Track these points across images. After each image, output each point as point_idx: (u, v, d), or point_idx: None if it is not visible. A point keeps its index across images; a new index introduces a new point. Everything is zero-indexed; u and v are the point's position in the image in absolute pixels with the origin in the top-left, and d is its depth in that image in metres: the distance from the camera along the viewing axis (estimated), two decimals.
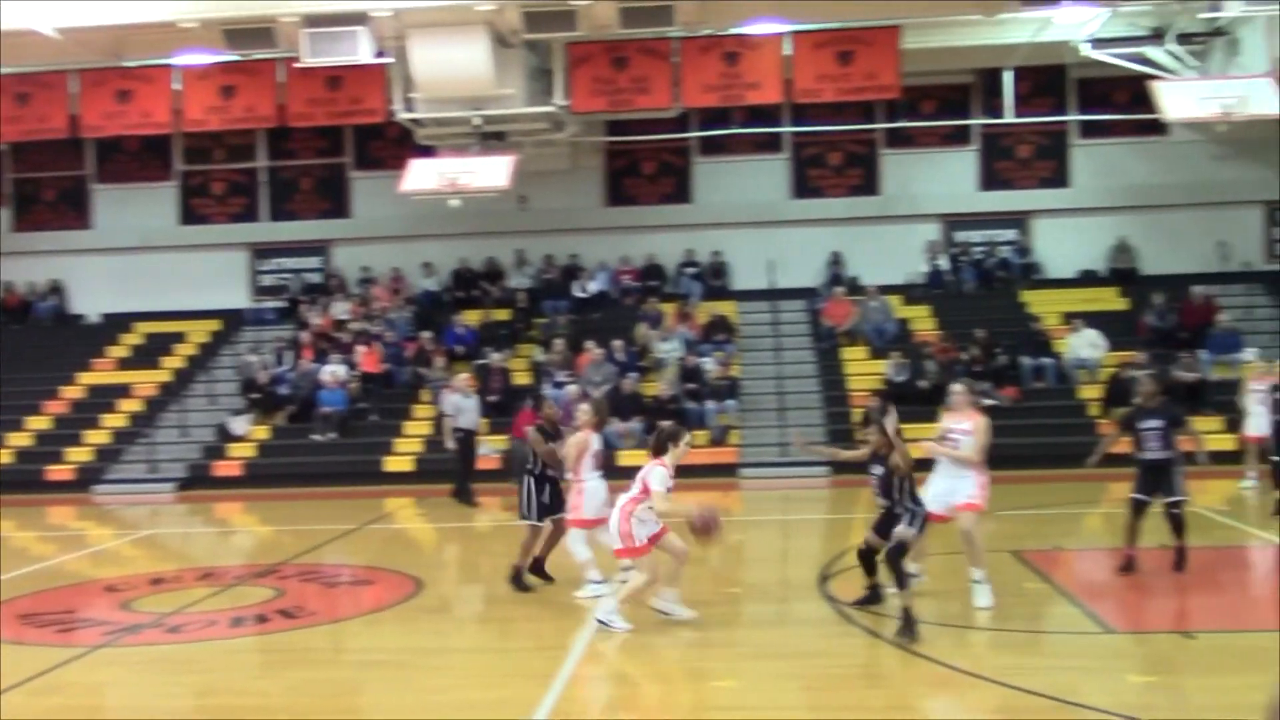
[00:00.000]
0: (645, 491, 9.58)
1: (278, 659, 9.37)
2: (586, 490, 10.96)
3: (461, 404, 18.13)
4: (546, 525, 11.34)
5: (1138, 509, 11.04)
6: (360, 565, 13.66)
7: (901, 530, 9.11)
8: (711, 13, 19.82)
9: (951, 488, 10.07)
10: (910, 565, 9.53)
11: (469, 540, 16.28)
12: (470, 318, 24.63)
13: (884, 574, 9.45)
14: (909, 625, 8.76)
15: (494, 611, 11.38)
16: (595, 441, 11.14)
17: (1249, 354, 21.57)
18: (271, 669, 9.14)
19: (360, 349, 23.51)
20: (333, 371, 22.53)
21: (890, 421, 9.25)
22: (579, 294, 25.26)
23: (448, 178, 20.15)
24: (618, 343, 22.59)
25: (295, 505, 19.23)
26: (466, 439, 18.15)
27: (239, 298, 27.03)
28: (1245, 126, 20.34)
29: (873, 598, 9.84)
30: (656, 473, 9.47)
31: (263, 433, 22.72)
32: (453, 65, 19.41)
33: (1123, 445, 11.45)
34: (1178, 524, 10.91)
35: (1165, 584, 10.99)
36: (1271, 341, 22.37)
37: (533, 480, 11.33)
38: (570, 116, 22.04)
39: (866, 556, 9.71)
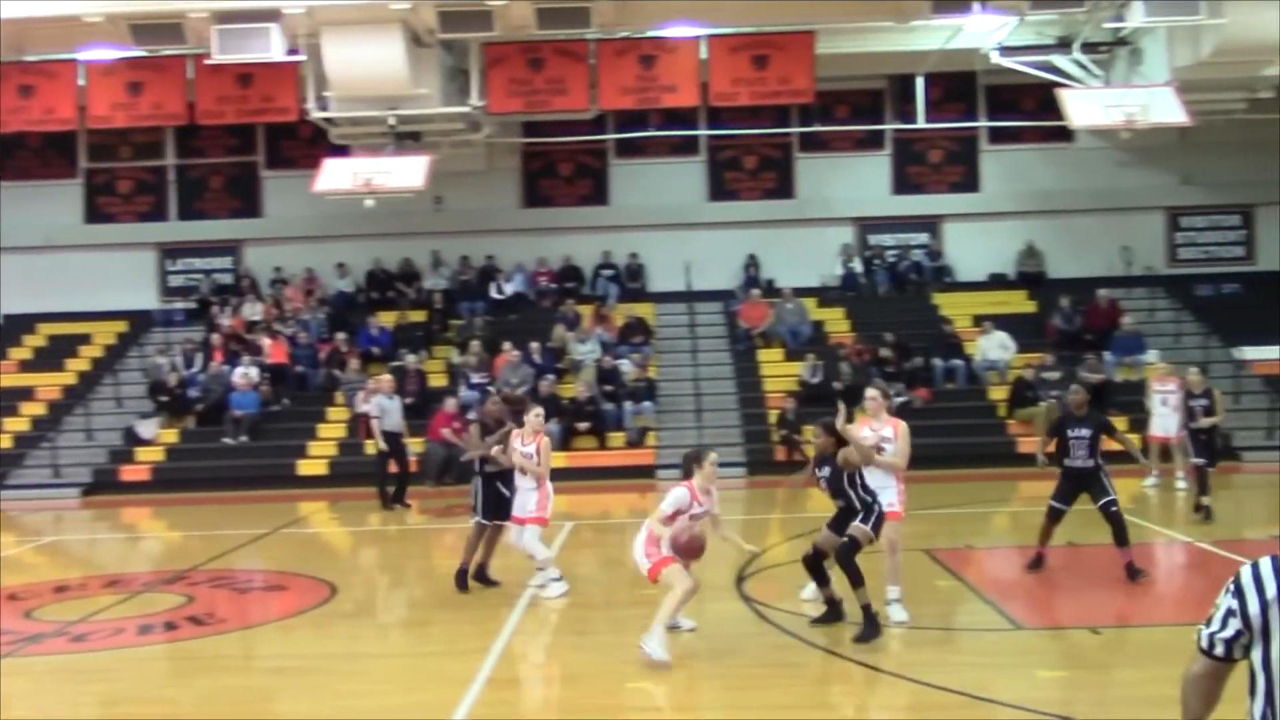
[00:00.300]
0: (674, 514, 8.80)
1: (187, 667, 9.19)
2: (552, 492, 11.10)
3: (386, 405, 17.91)
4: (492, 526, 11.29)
5: (1055, 515, 11.09)
6: (273, 570, 13.46)
7: (856, 527, 8.98)
8: (628, 15, 19.86)
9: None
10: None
11: (385, 544, 16.12)
12: (385, 319, 24.38)
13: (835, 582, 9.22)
14: (871, 624, 8.70)
15: (410, 615, 11.30)
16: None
17: (1151, 356, 22.18)
18: (181, 677, 8.96)
19: (267, 341, 23.16)
20: (244, 373, 22.16)
21: (839, 419, 9.16)
22: (495, 295, 25.15)
23: (362, 178, 19.94)
24: (535, 344, 22.54)
25: (206, 510, 18.89)
26: (392, 440, 17.92)
27: (147, 298, 26.46)
28: (1147, 134, 20.90)
29: (833, 614, 9.28)
30: (672, 494, 8.81)
31: (171, 436, 22.27)
32: (367, 64, 19.20)
33: (1029, 445, 11.65)
34: (1118, 523, 10.79)
35: (1073, 581, 11.25)
36: (1172, 344, 23.03)
37: (480, 480, 11.30)
38: (486, 117, 21.93)
39: (814, 562, 9.36)
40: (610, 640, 9.48)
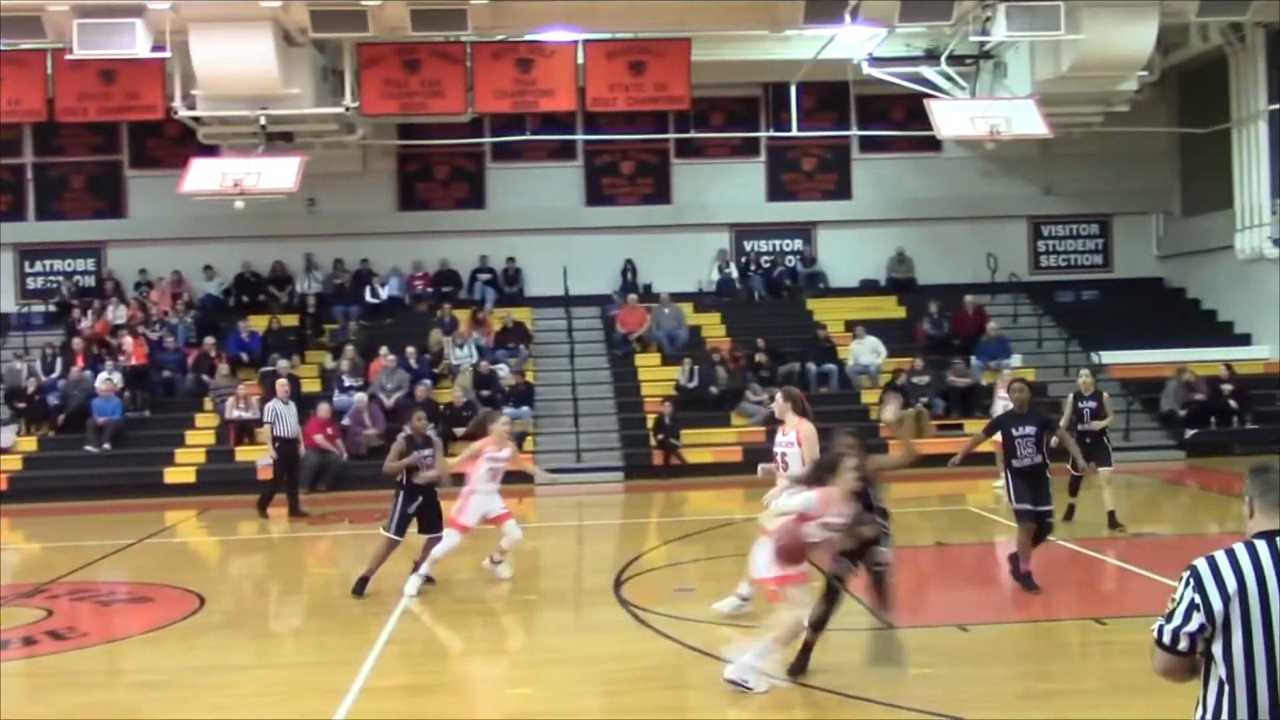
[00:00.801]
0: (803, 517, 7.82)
1: (47, 683, 8.85)
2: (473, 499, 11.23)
3: (280, 410, 17.36)
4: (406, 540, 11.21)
5: (1028, 517, 10.51)
6: (138, 582, 13.04)
7: (883, 552, 8.26)
8: (505, 18, 19.78)
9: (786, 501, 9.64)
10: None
11: (256, 553, 15.77)
12: (256, 323, 23.82)
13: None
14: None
15: (281, 626, 11.07)
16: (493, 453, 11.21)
17: (1016, 360, 22.85)
18: (40, 694, 8.63)
19: (129, 339, 22.42)
20: (107, 379, 21.45)
21: (890, 409, 8.92)
22: (370, 299, 24.78)
23: (232, 179, 19.50)
24: (411, 349, 22.27)
25: (67, 521, 18.22)
26: (287, 447, 17.39)
27: (4, 301, 25.43)
28: (1011, 145, 21.59)
29: (802, 664, 8.05)
30: (802, 496, 7.88)
31: (30, 444, 21.43)
32: (236, 62, 18.78)
33: (933, 446, 11.65)
34: (1047, 532, 10.72)
35: (942, 580, 11.52)
36: (1035, 348, 23.78)
37: (402, 492, 11.18)
38: (361, 118, 21.65)
39: (834, 594, 8.14)
40: (487, 647, 9.43)
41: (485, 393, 21.54)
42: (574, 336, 24.12)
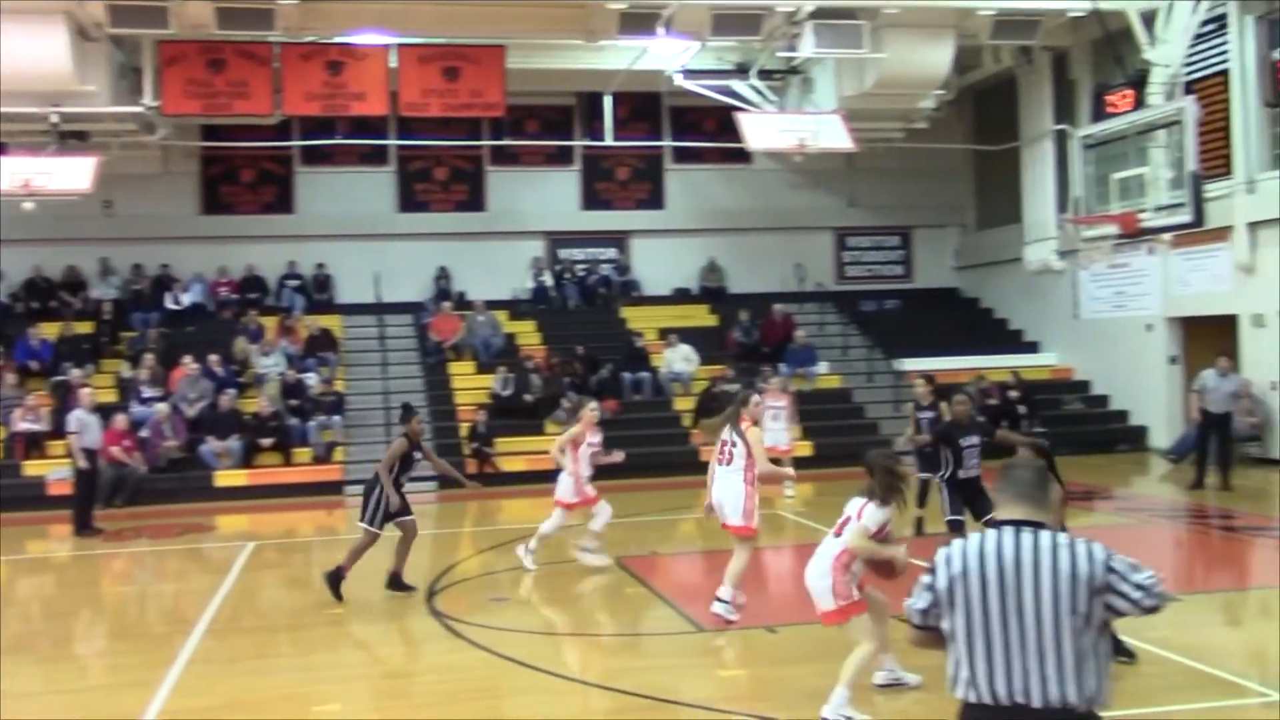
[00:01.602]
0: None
1: None
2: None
3: (86, 420, 16.45)
4: (387, 533, 11.18)
5: (961, 529, 10.45)
6: None
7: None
8: (315, 19, 19.33)
9: (721, 502, 9.61)
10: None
11: (46, 572, 14.98)
12: (47, 331, 22.62)
13: None
14: None
15: (74, 649, 10.55)
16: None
17: (823, 367, 23.55)
18: None
19: None
20: None
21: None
22: (171, 306, 23.88)
23: (21, 178, 18.51)
24: (214, 357, 21.54)
25: None
26: (93, 458, 16.47)
27: None
28: (818, 158, 22.24)
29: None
30: (871, 512, 7.29)
31: None
32: (26, 57, 17.82)
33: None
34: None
35: (751, 583, 11.75)
36: (841, 356, 24.53)
37: (379, 489, 11.06)
38: (161, 118, 20.86)
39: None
40: (295, 663, 9.19)
41: (293, 402, 21.01)
42: (386, 345, 23.73)
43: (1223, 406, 17.15)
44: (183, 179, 25.04)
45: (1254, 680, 7.77)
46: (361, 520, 11.09)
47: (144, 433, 19.77)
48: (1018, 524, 3.90)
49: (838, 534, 7.33)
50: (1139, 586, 3.78)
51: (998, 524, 3.93)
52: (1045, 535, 3.85)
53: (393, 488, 11.07)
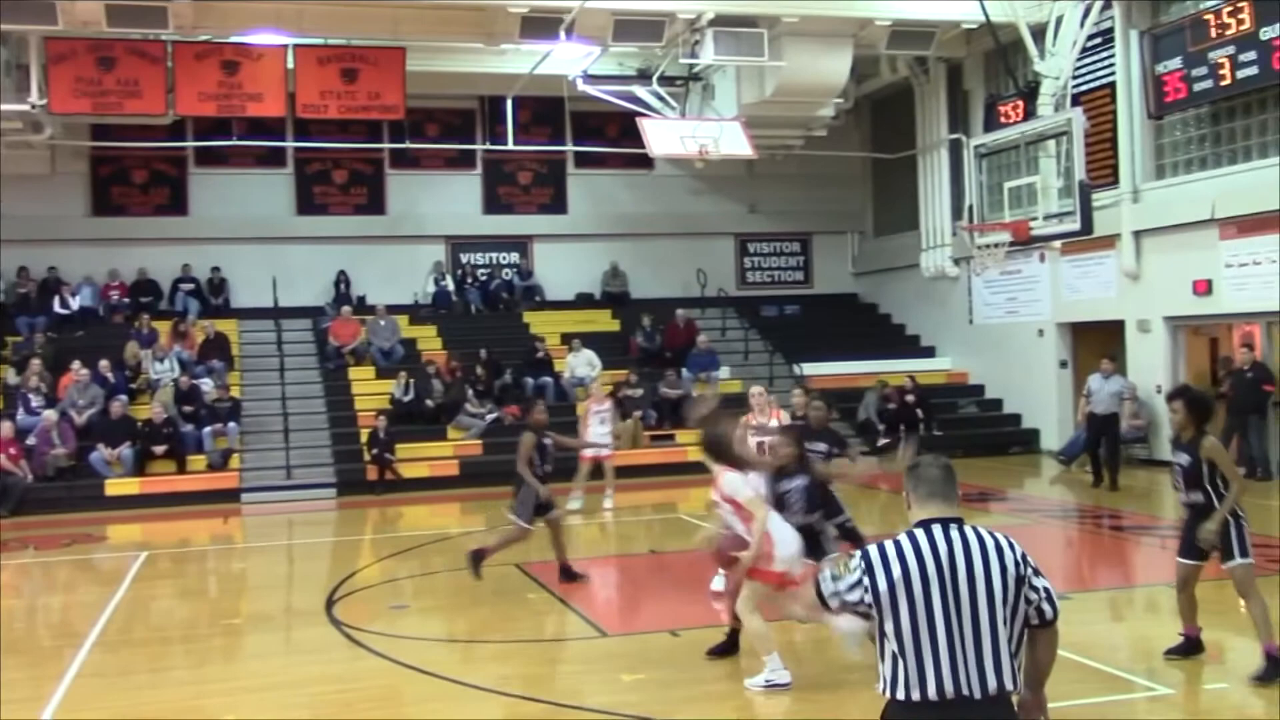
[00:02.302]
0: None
1: None
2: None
3: None
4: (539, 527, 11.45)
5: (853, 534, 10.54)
6: None
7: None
8: (210, 18, 18.96)
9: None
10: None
11: None
12: None
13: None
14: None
15: None
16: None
17: (724, 372, 23.72)
18: None
19: None
20: None
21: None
22: (60, 310, 23.21)
23: None
24: (105, 362, 20.99)
25: None
26: None
27: None
28: (719, 165, 22.43)
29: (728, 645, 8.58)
30: (735, 481, 7.88)
31: None
32: None
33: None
34: (856, 536, 10.40)
35: (655, 587, 11.81)
36: (742, 360, 24.74)
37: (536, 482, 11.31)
38: (49, 117, 20.29)
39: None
40: (189, 675, 9.00)
41: (188, 408, 20.56)
42: (284, 350, 23.34)
43: (1107, 408, 17.69)
44: (72, 179, 24.38)
45: (1141, 675, 8.01)
46: (513, 514, 11.40)
47: (30, 440, 19.20)
48: (944, 522, 4.01)
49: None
50: (1043, 588, 4.01)
51: (924, 523, 4.02)
52: (970, 530, 4.00)
53: (537, 481, 11.28)
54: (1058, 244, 18.60)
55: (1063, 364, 22.10)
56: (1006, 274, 22.11)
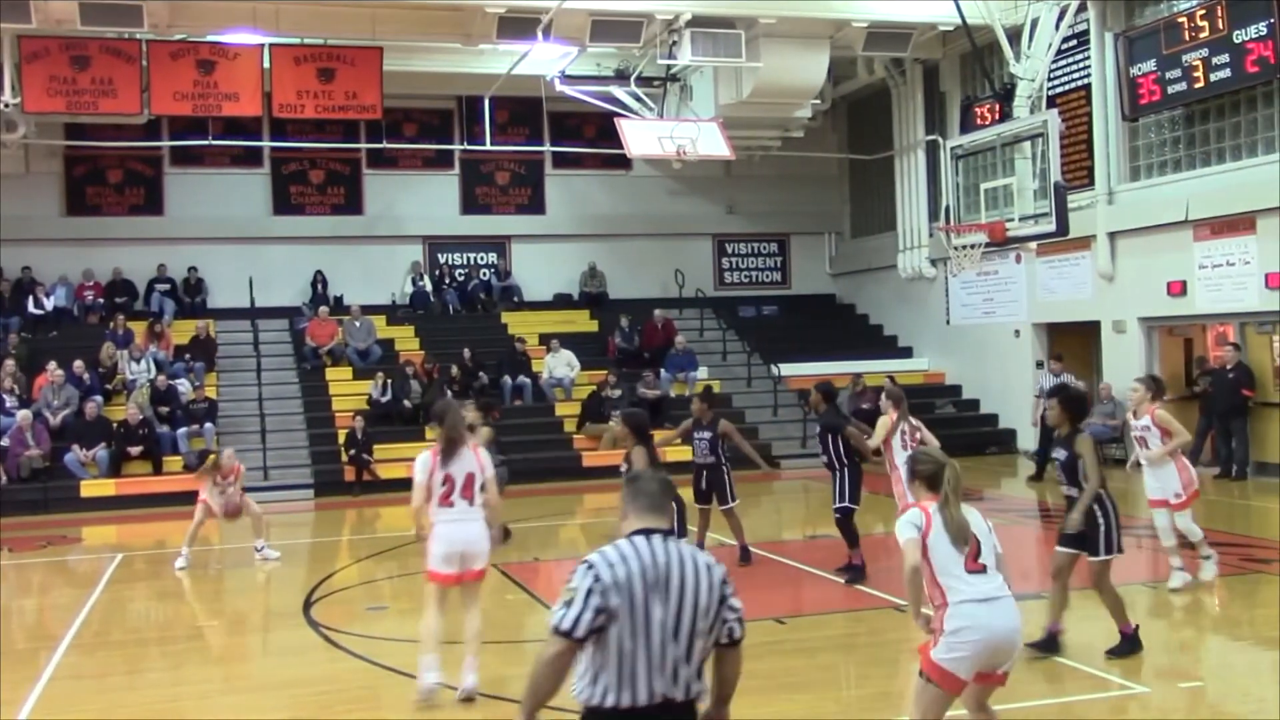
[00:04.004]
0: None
1: None
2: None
3: None
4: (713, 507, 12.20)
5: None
6: None
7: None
8: (185, 17, 18.88)
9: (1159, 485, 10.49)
10: None
11: None
12: None
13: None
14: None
15: None
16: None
17: (702, 372, 23.74)
18: None
19: None
20: None
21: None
22: (34, 310, 23.05)
23: None
24: (80, 363, 20.86)
25: None
26: None
27: None
28: (697, 165, 22.47)
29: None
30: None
31: None
32: None
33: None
34: (840, 529, 11.42)
35: None
36: (720, 361, 24.78)
37: (712, 469, 12.04)
38: (23, 116, 20.15)
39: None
40: (166, 677, 8.96)
41: (164, 409, 20.46)
42: (260, 350, 23.24)
43: None
44: (46, 179, 24.22)
45: (1116, 674, 8.06)
46: (727, 503, 12.14)
47: (4, 441, 19.06)
48: (663, 533, 4.09)
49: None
50: (739, 609, 4.17)
51: (641, 532, 4.06)
52: (683, 544, 4.12)
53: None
54: (1033, 245, 18.68)
55: (1039, 364, 22.20)
56: (983, 275, 22.21)
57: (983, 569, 5.50)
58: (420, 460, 7.72)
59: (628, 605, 3.92)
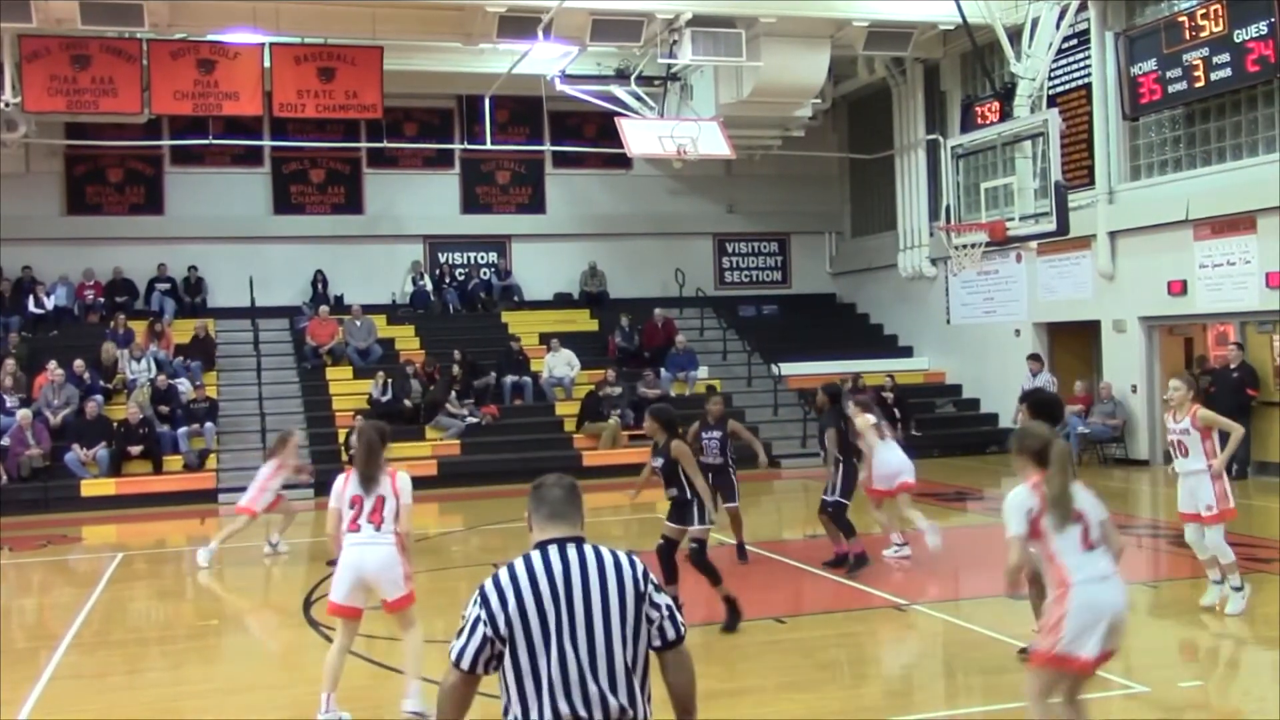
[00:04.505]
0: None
1: None
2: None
3: None
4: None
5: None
6: None
7: (698, 528, 9.43)
8: (185, 16, 18.88)
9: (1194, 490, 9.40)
10: None
11: None
12: None
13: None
14: (733, 614, 9.19)
15: None
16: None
17: (703, 372, 23.74)
18: None
19: None
20: None
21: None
22: (35, 310, 23.05)
23: None
24: (80, 363, 20.86)
25: None
26: None
27: None
28: (697, 165, 22.47)
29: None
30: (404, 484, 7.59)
31: None
32: None
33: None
34: (835, 521, 11.71)
35: None
36: (720, 360, 24.78)
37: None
38: (23, 115, 20.15)
39: (666, 554, 9.59)
40: (166, 677, 8.96)
41: (164, 409, 20.46)
42: (261, 350, 23.24)
43: None
44: (46, 178, 24.21)
45: (1116, 673, 8.06)
46: (733, 501, 12.02)
47: (4, 440, 19.07)
48: (562, 542, 3.87)
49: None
50: (665, 606, 3.89)
51: (542, 545, 3.88)
52: (590, 549, 3.86)
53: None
54: (1034, 244, 18.70)
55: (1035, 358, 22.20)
56: (983, 274, 22.21)
57: (1094, 547, 5.46)
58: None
59: (522, 627, 3.72)
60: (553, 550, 3.84)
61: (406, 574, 7.36)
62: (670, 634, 3.89)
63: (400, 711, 7.42)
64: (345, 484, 7.40)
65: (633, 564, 3.88)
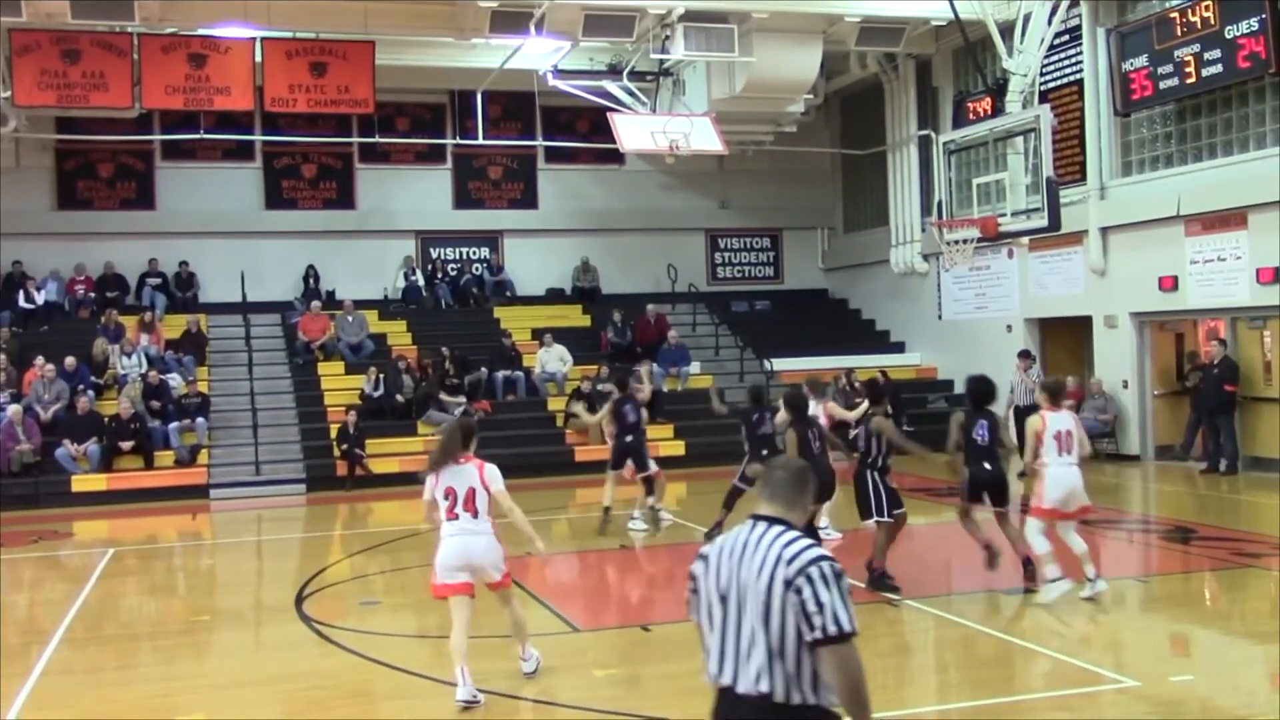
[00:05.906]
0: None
1: None
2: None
3: None
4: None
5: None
6: None
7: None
8: (176, 11, 18.84)
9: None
10: None
11: None
12: None
13: None
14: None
15: None
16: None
17: (695, 367, 23.74)
18: None
19: None
20: None
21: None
22: (25, 305, 22.97)
23: None
24: (71, 358, 20.79)
25: None
26: None
27: None
28: (689, 160, 22.46)
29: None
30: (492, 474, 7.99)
31: None
32: None
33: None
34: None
35: (627, 582, 11.81)
36: (713, 356, 24.78)
37: (877, 475, 10.67)
38: (13, 110, 20.09)
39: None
40: (157, 673, 8.95)
41: (155, 404, 20.41)
42: (252, 345, 23.18)
43: (1027, 399, 17.85)
44: (36, 173, 24.12)
45: (1108, 668, 8.09)
46: (866, 519, 10.72)
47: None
48: (757, 519, 4.02)
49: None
50: (820, 602, 3.73)
51: (753, 518, 4.05)
52: (772, 528, 3.94)
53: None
54: (1026, 240, 18.73)
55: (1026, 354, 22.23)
56: (975, 270, 22.22)
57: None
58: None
59: (706, 591, 4.00)
60: (746, 524, 4.04)
61: (505, 556, 8.08)
62: (816, 631, 3.76)
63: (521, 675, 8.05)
64: (437, 478, 7.85)
65: (800, 554, 3.82)
